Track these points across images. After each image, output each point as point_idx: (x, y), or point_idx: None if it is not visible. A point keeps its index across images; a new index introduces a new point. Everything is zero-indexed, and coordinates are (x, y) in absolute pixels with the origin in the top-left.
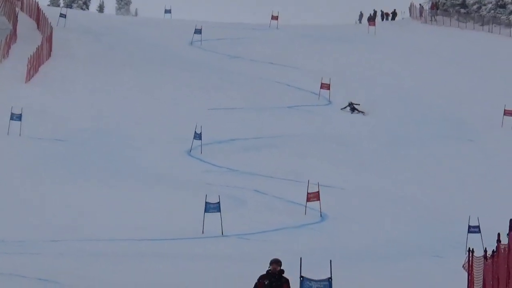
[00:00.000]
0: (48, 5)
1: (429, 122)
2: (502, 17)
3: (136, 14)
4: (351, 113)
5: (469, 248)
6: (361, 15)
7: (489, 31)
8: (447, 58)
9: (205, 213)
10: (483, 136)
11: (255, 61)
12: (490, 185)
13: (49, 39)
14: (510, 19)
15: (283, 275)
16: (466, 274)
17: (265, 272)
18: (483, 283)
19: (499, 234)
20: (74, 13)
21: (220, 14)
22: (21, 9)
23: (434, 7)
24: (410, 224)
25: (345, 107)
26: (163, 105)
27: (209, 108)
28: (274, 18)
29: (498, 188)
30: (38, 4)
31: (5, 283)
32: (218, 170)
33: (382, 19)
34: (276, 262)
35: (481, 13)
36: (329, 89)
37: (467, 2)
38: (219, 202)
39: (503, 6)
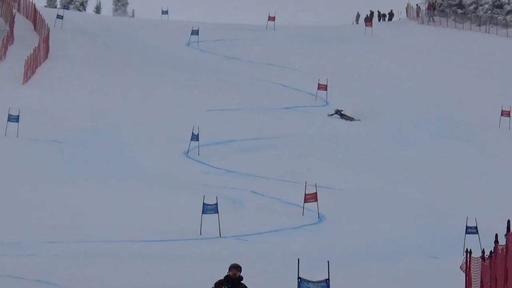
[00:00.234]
0: (45, 6)
1: (427, 122)
2: (499, 18)
3: (133, 15)
4: (343, 119)
5: (467, 249)
6: (358, 16)
7: (486, 32)
8: (444, 58)
9: (203, 214)
10: (480, 137)
11: (253, 62)
12: (488, 186)
13: (46, 40)
14: (507, 19)
15: (241, 281)
16: (463, 275)
17: (223, 278)
18: (480, 284)
19: (496, 235)
20: (71, 14)
21: (217, 15)
22: (18, 10)
23: (431, 7)
24: (408, 225)
25: (332, 114)
26: (161, 106)
27: (207, 109)
28: (271, 19)
29: (495, 189)
30: (35, 5)
31: (2, 285)
32: (216, 171)
33: (379, 20)
34: (236, 267)
35: (478, 13)
36: (326, 90)
37: (464, 2)
38: (217, 203)
39: (500, 6)
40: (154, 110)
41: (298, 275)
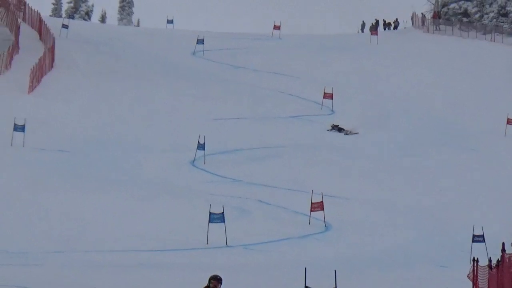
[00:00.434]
0: (50, 15)
1: (432, 131)
2: (504, 26)
3: (138, 24)
4: (341, 132)
5: (474, 258)
6: (363, 25)
7: (491, 40)
8: (450, 67)
9: (210, 224)
10: (486, 145)
11: (258, 71)
12: (494, 194)
13: (51, 50)
14: None
15: None
16: (471, 283)
17: None
18: None
19: (503, 244)
20: (76, 24)
21: (222, 24)
22: (23, 19)
23: (436, 16)
24: (414, 234)
25: (330, 130)
26: (166, 115)
27: (213, 118)
28: (277, 27)
29: (502, 197)
30: (40, 15)
31: None
32: (222, 181)
33: (384, 29)
34: (217, 279)
35: (483, 22)
36: (332, 98)
37: (469, 11)
38: (223, 212)
39: (505, 15)
40: (159, 119)
41: (305, 284)
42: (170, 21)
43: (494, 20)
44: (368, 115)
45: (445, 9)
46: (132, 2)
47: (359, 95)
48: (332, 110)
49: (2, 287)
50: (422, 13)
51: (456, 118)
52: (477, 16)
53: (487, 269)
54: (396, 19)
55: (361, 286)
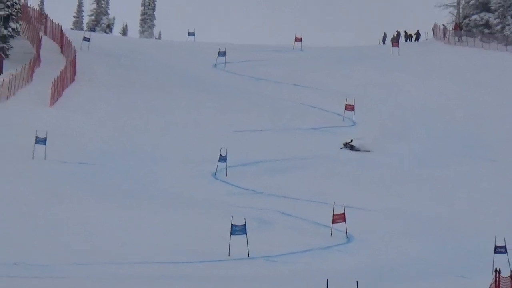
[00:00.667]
0: (72, 28)
1: (452, 142)
2: None
3: (159, 37)
4: (353, 150)
5: (496, 269)
6: (384, 36)
7: None
8: (471, 78)
9: (231, 236)
10: (506, 156)
11: (280, 82)
12: None
13: (72, 63)
14: None
15: None
16: None
17: None
18: None
19: None
20: (97, 37)
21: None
22: (45, 33)
23: (458, 27)
24: (436, 244)
25: (343, 147)
26: (188, 127)
27: (235, 130)
28: (298, 39)
29: None
30: (61, 28)
31: None
32: (244, 192)
33: (406, 40)
34: None
35: (504, 33)
36: (353, 110)
37: (490, 22)
38: (245, 224)
39: None
40: (181, 132)
41: None
42: (191, 34)
43: None
44: (389, 126)
45: (466, 21)
46: (154, 15)
47: (380, 107)
48: (353, 122)
49: None
50: (443, 25)
51: (476, 129)
52: (498, 27)
53: (510, 279)
54: (418, 30)
55: None
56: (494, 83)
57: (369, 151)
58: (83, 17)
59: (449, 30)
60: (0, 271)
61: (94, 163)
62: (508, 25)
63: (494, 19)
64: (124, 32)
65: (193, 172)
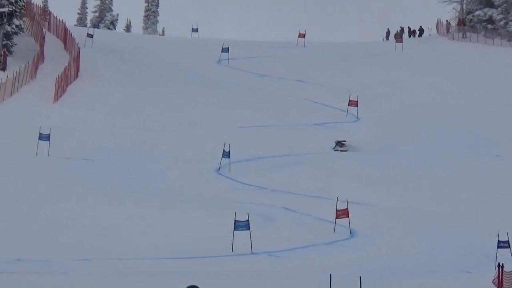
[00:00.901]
0: (75, 25)
1: (457, 138)
2: None
3: (163, 33)
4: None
5: (499, 263)
6: (388, 32)
7: None
8: (475, 74)
9: (235, 231)
10: (509, 151)
11: (283, 78)
12: None
13: (76, 59)
14: None
15: None
16: None
17: None
18: None
19: None
20: (101, 33)
21: (247, 32)
22: (48, 29)
23: (461, 23)
24: (439, 240)
25: (334, 147)
26: (191, 124)
27: (238, 126)
28: (302, 35)
29: None
30: (65, 25)
31: None
32: (247, 188)
33: (409, 36)
34: None
35: (508, 29)
36: (357, 106)
37: (494, 18)
38: (248, 220)
39: None
40: (184, 128)
41: None
42: (195, 30)
43: None
44: (392, 122)
45: (470, 16)
46: (157, 11)
47: (384, 102)
48: (357, 118)
49: None
50: (447, 21)
51: (481, 125)
52: (502, 23)
53: None
54: (421, 26)
55: None
56: (497, 79)
57: (357, 152)
58: (87, 14)
59: (453, 26)
60: (3, 267)
61: (97, 160)
62: (511, 20)
63: (498, 14)
64: (128, 28)
65: (197, 168)
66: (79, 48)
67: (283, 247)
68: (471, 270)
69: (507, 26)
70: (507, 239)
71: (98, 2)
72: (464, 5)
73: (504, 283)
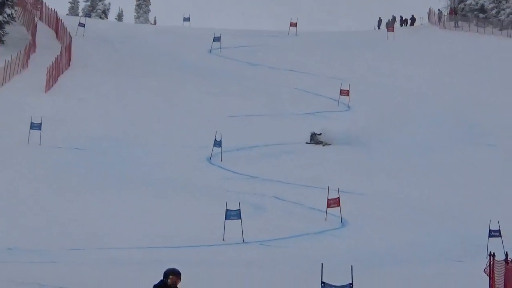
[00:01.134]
0: (67, 14)
1: (447, 126)
2: None
3: (155, 22)
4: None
5: (490, 252)
6: (380, 21)
7: (508, 36)
8: (466, 63)
9: (226, 220)
10: (502, 141)
11: (275, 68)
12: (509, 189)
13: (68, 49)
14: None
15: None
16: (487, 278)
17: (159, 284)
18: (504, 287)
19: None
20: (93, 22)
21: (239, 21)
22: (40, 18)
23: (453, 12)
24: (431, 229)
25: (310, 142)
26: (183, 113)
27: (229, 115)
28: (293, 25)
29: None
30: (57, 14)
31: None
32: (238, 177)
33: (401, 25)
34: (178, 274)
35: (499, 17)
36: (348, 95)
37: (485, 7)
38: (240, 209)
39: None
40: (176, 117)
41: (321, 279)
42: (186, 19)
43: (511, 15)
44: (384, 111)
45: (461, 5)
46: (149, 0)
47: (375, 91)
48: (348, 107)
49: (19, 284)
50: (438, 9)
51: (473, 114)
52: (493, 12)
53: (504, 263)
54: (413, 15)
55: (378, 282)
56: (489, 68)
57: (329, 144)
58: (79, 3)
59: (444, 15)
60: None
61: (89, 149)
62: (503, 9)
63: (489, 3)
64: (120, 17)
65: (188, 157)
66: (71, 38)
67: (274, 236)
68: (463, 259)
69: (499, 15)
70: (498, 228)
71: None
72: None
73: (495, 272)
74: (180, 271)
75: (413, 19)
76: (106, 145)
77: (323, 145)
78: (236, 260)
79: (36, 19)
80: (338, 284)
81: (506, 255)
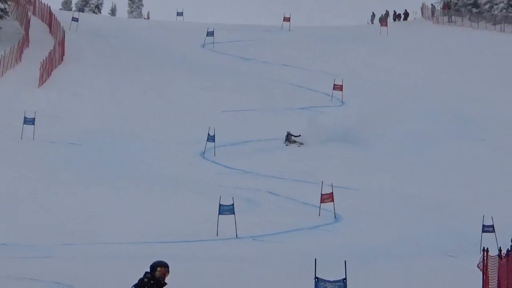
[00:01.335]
0: (60, 9)
1: (441, 122)
2: None
3: (148, 17)
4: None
5: (484, 248)
6: (373, 16)
7: (501, 31)
8: (459, 57)
9: (219, 215)
10: (496, 136)
11: (268, 63)
12: (503, 185)
13: (61, 43)
14: None
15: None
16: (481, 273)
17: (145, 277)
18: (498, 282)
19: None
20: (86, 17)
21: (232, 16)
22: (33, 13)
23: (446, 7)
24: (424, 224)
25: (285, 141)
26: (176, 108)
27: (223, 110)
28: (286, 19)
29: (511, 188)
30: (50, 8)
31: (20, 287)
32: (232, 172)
33: (394, 20)
34: (166, 267)
35: (493, 12)
36: (341, 90)
37: (478, 1)
38: (233, 204)
39: None
40: (169, 112)
41: (315, 275)
42: (179, 14)
43: (504, 10)
44: (377, 106)
45: (454, 0)
46: None
47: (369, 86)
48: (342, 102)
49: (12, 279)
50: (432, 4)
51: (466, 109)
52: (486, 6)
53: (497, 258)
54: (406, 10)
55: (371, 277)
56: (482, 62)
57: (302, 144)
58: None
59: (438, 10)
60: None
61: (83, 144)
62: (496, 4)
63: None
64: (113, 12)
65: (181, 152)
66: (64, 32)
67: (267, 231)
68: (456, 254)
69: (492, 10)
70: (491, 223)
71: None
72: None
73: (489, 267)
74: (169, 264)
75: (406, 14)
76: (100, 140)
77: (298, 146)
78: (230, 255)
79: (29, 13)
80: (331, 279)
81: (500, 250)
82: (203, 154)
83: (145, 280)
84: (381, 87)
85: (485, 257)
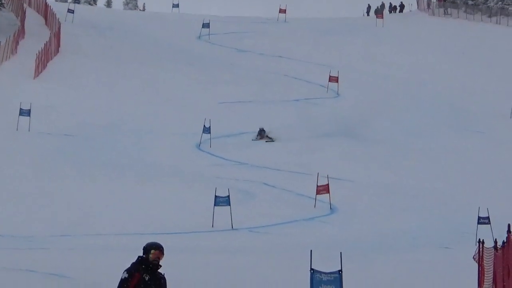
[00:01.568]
0: (56, 0)
1: (438, 114)
2: (509, 9)
3: (143, 8)
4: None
5: (479, 239)
6: (368, 8)
7: (496, 23)
8: (455, 50)
9: (215, 207)
10: (492, 127)
11: (264, 54)
12: (499, 176)
13: (57, 35)
14: None
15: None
16: (476, 265)
17: (138, 261)
18: (493, 274)
19: (509, 225)
20: (82, 9)
21: (228, 7)
22: (29, 4)
23: None
24: (420, 216)
25: (256, 138)
26: (172, 100)
27: (219, 102)
28: (282, 11)
29: (507, 179)
30: (46, 0)
31: (16, 278)
32: (228, 164)
33: (390, 12)
34: (161, 249)
35: (488, 4)
36: (337, 81)
37: None
38: (229, 195)
39: None
40: (165, 103)
41: (310, 266)
42: (175, 5)
43: (500, 2)
44: (373, 98)
45: None
46: None
47: (364, 78)
48: (337, 94)
49: (8, 270)
50: None
51: (462, 101)
52: None
53: (493, 250)
54: (401, 2)
55: (367, 268)
56: (478, 54)
57: (273, 141)
58: None
59: (433, 2)
60: None
61: (79, 135)
62: None
63: None
64: (109, 4)
65: (178, 144)
66: (59, 24)
67: (263, 223)
68: (452, 246)
69: (487, 2)
70: (487, 215)
71: None
72: None
73: (484, 259)
74: (164, 252)
75: (402, 6)
76: (95, 132)
77: (266, 141)
78: (225, 247)
79: (25, 5)
80: (327, 271)
81: (495, 242)
82: (199, 145)
83: (138, 264)
84: (377, 78)
85: (480, 249)
